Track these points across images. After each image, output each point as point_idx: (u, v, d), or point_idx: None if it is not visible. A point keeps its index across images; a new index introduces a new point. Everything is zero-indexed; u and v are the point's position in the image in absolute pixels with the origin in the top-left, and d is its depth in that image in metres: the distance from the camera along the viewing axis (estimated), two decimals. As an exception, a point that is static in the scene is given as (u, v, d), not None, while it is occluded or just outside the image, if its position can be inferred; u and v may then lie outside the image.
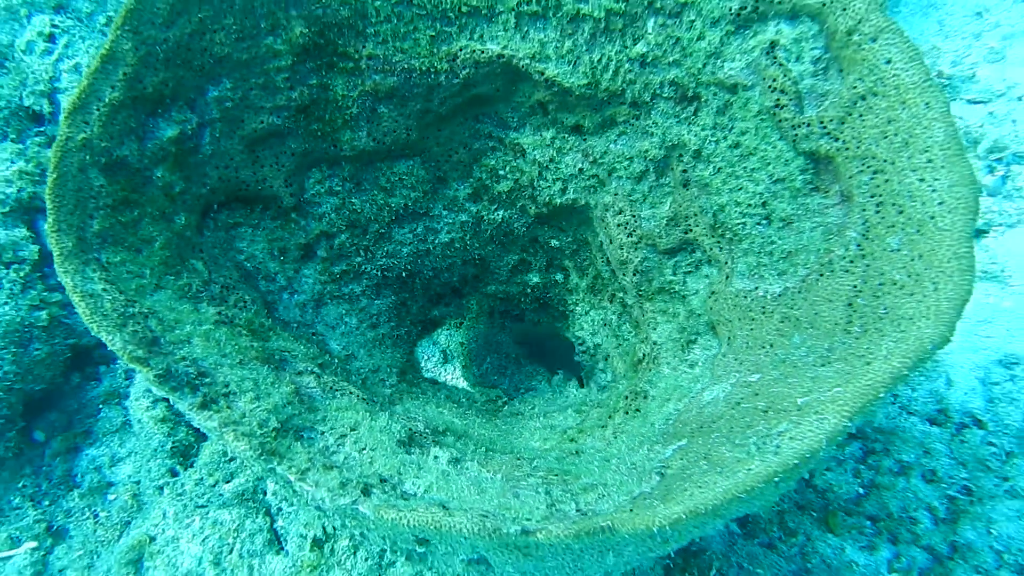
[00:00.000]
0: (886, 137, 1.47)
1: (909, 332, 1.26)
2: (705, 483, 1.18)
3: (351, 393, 1.70)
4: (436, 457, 1.56)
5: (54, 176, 1.50)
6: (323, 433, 1.50)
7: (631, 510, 1.16)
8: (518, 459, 1.67)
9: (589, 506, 1.35)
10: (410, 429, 1.65)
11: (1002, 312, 2.72)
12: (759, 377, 1.50)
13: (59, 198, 1.50)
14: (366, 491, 1.29)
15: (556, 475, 1.54)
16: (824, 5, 1.53)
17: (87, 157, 1.57)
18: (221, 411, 1.40)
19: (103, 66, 1.59)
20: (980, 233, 2.88)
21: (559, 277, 2.43)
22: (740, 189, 1.79)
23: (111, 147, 1.62)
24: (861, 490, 2.43)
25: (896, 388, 1.20)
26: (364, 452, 1.48)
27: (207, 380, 1.46)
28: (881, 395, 1.17)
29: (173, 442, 2.74)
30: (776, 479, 1.12)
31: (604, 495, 1.39)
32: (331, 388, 1.68)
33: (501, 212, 2.30)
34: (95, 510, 2.90)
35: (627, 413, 1.90)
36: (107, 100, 1.60)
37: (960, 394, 2.59)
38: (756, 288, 1.73)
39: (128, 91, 1.63)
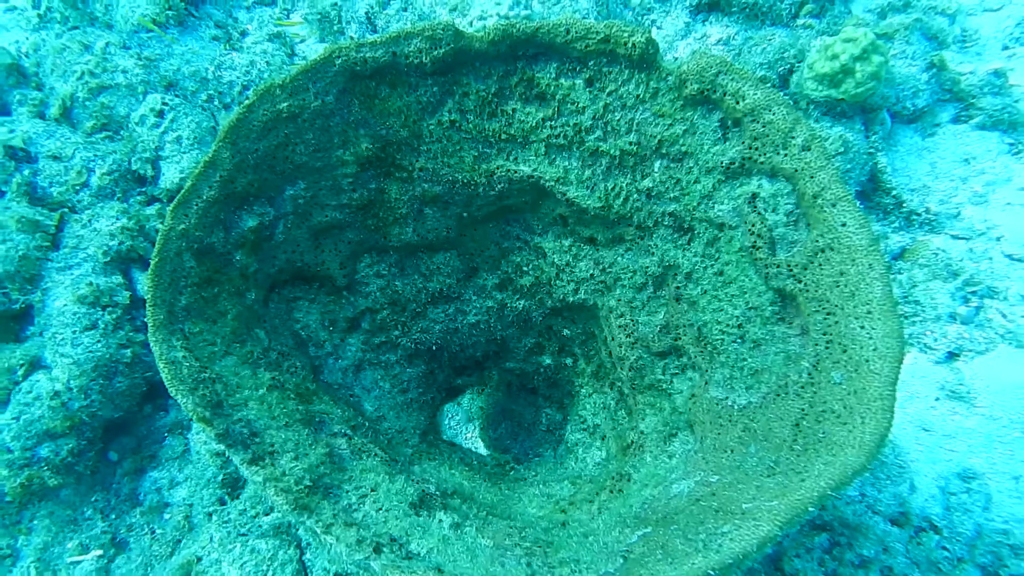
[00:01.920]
0: (838, 286, 1.68)
1: (838, 457, 1.45)
2: (656, 571, 1.37)
3: (375, 456, 1.93)
4: (440, 521, 1.77)
5: (156, 260, 1.76)
6: (347, 492, 1.73)
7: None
8: (511, 527, 1.88)
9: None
10: (423, 491, 1.87)
11: (966, 430, 2.87)
12: (717, 479, 1.70)
13: (158, 277, 1.76)
14: (377, 549, 1.50)
15: (540, 546, 1.74)
16: (796, 171, 1.75)
17: (183, 244, 1.83)
18: (266, 468, 1.63)
19: (205, 170, 1.85)
20: (952, 356, 3.04)
21: (568, 361, 2.64)
22: (721, 310, 2.00)
23: (203, 235, 1.88)
24: (825, 578, 2.58)
25: (820, 504, 1.38)
26: (380, 512, 1.70)
27: (257, 440, 1.69)
28: (809, 509, 1.37)
29: (224, 474, 2.98)
30: (712, 573, 1.32)
31: (576, 571, 1.59)
32: (359, 450, 1.91)
33: (522, 302, 2.53)
34: (153, 527, 3.15)
35: (612, 492, 2.10)
36: (205, 197, 1.86)
37: (921, 500, 2.73)
38: (727, 398, 1.93)
39: (222, 190, 1.89)
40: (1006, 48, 3.75)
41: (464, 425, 2.98)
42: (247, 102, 1.91)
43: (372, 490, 1.77)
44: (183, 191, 1.85)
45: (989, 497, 2.72)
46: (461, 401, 2.95)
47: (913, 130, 3.59)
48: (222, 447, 1.62)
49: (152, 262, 1.78)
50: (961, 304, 3.12)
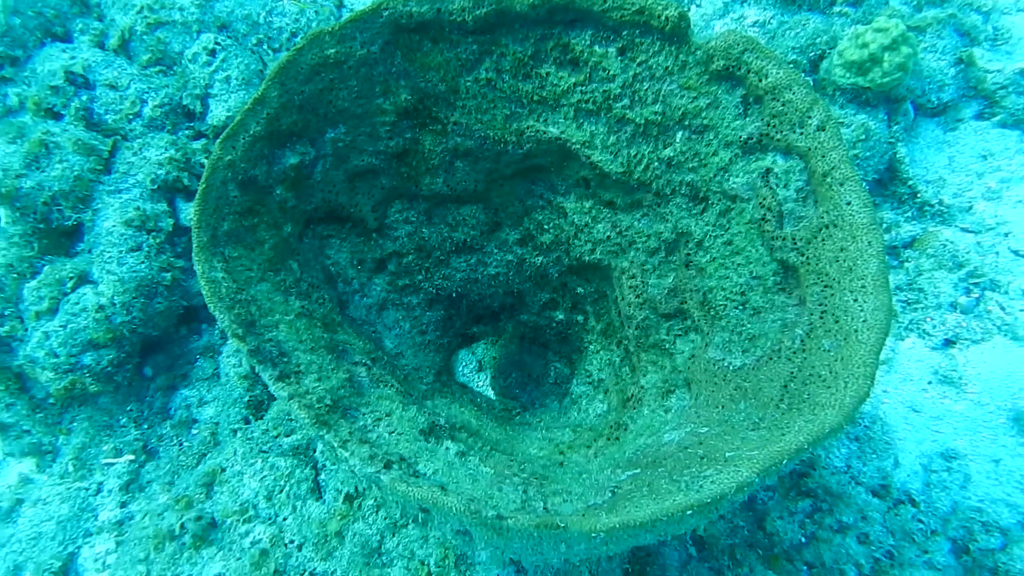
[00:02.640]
0: (838, 261, 1.74)
1: (818, 416, 1.52)
2: (640, 504, 1.45)
3: (392, 387, 2.03)
4: (447, 448, 1.87)
5: (204, 186, 1.85)
6: (364, 414, 1.83)
7: (582, 515, 1.45)
8: (511, 461, 1.98)
9: (554, 506, 1.65)
10: (433, 422, 1.96)
11: (953, 413, 2.93)
12: (706, 431, 1.79)
13: (204, 203, 1.85)
14: (388, 465, 1.60)
15: (536, 478, 1.84)
16: (810, 150, 1.81)
17: (229, 174, 1.92)
18: (291, 385, 1.73)
19: (254, 107, 1.94)
20: (949, 344, 3.09)
21: (580, 318, 2.72)
22: (727, 278, 2.07)
23: (248, 168, 1.96)
24: (803, 539, 2.66)
25: (799, 457, 1.46)
26: (392, 435, 1.80)
27: (285, 359, 1.79)
28: (784, 461, 1.44)
29: (250, 396, 3.11)
30: (691, 511, 1.39)
31: (567, 500, 1.68)
32: (377, 379, 2.01)
33: (541, 258, 2.60)
34: (181, 439, 3.29)
35: (608, 439, 2.19)
36: (252, 132, 1.94)
37: (903, 475, 2.81)
38: (723, 359, 2.01)
39: (268, 127, 1.97)
40: (1036, 49, 3.74)
41: (476, 374, 3.07)
42: (297, 46, 1.99)
43: (387, 415, 1.87)
44: (232, 125, 1.94)
45: (968, 477, 2.79)
46: (475, 350, 3.04)
47: (935, 123, 3.60)
48: (253, 362, 1.72)
49: (199, 188, 1.87)
50: (963, 294, 3.16)
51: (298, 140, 2.10)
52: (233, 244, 1.93)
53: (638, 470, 1.75)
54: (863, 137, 3.25)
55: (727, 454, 1.57)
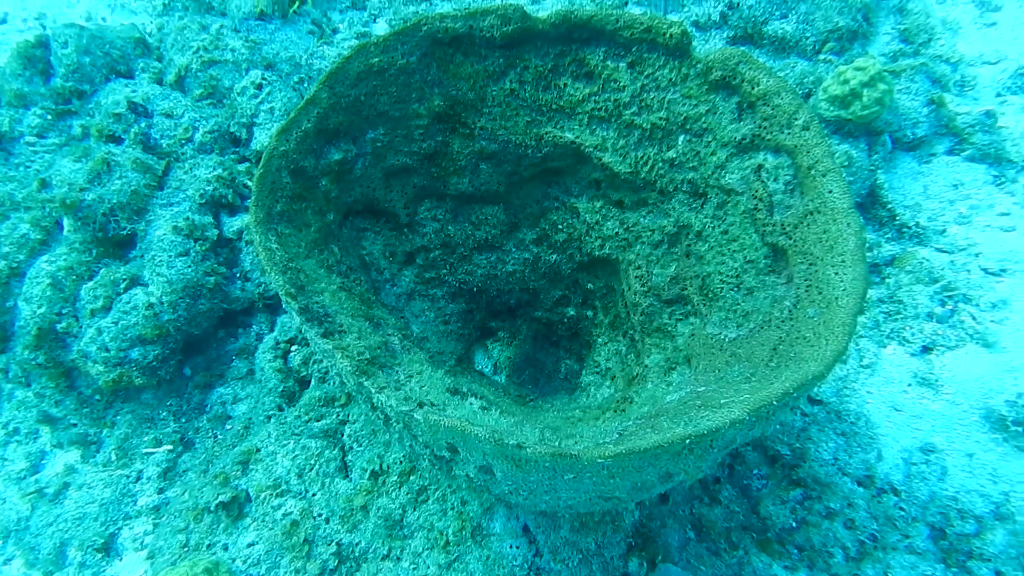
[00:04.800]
0: (821, 241, 1.85)
1: (802, 368, 1.62)
2: (643, 437, 1.54)
3: (420, 356, 2.13)
4: (471, 403, 1.97)
5: (261, 171, 1.98)
6: (397, 371, 1.92)
7: (592, 447, 1.54)
8: (530, 416, 2.07)
9: (567, 447, 1.73)
10: (456, 386, 2.06)
11: (931, 412, 3.01)
12: (704, 389, 1.88)
13: (261, 185, 1.98)
14: (420, 405, 1.70)
15: (551, 429, 1.93)
16: (796, 147, 1.93)
17: (283, 162, 2.05)
18: (335, 339, 1.83)
19: (306, 106, 2.08)
20: (926, 350, 3.19)
21: (589, 313, 2.82)
22: (723, 264, 2.18)
23: (299, 158, 2.09)
24: (794, 524, 2.72)
25: (784, 401, 1.54)
26: (423, 388, 1.89)
27: (329, 319, 1.90)
28: (773, 403, 1.53)
29: (284, 387, 3.20)
30: (689, 441, 1.46)
31: (578, 442, 1.77)
32: (408, 348, 2.11)
33: (555, 256, 2.72)
34: (216, 432, 3.37)
35: (615, 412, 2.28)
36: (303, 128, 2.08)
37: (886, 467, 2.88)
38: (720, 333, 2.11)
39: (318, 124, 2.11)
40: (999, 95, 3.89)
41: (493, 377, 3.16)
42: (346, 54, 2.14)
43: (418, 373, 1.96)
44: (286, 121, 2.08)
45: (945, 469, 2.85)
46: (491, 352, 3.13)
47: (912, 156, 3.74)
48: (301, 320, 1.82)
49: (256, 173, 2.00)
50: (938, 305, 3.26)
51: (343, 138, 2.24)
52: (285, 223, 2.05)
53: (642, 420, 1.84)
54: (846, 164, 3.39)
55: (722, 401, 1.66)
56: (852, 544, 2.68)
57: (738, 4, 4.04)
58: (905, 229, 3.51)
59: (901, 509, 2.75)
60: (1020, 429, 2.86)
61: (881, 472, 2.86)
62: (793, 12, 3.93)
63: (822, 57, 3.88)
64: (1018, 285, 3.29)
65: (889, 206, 3.51)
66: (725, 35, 4.14)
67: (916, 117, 3.68)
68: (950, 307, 3.24)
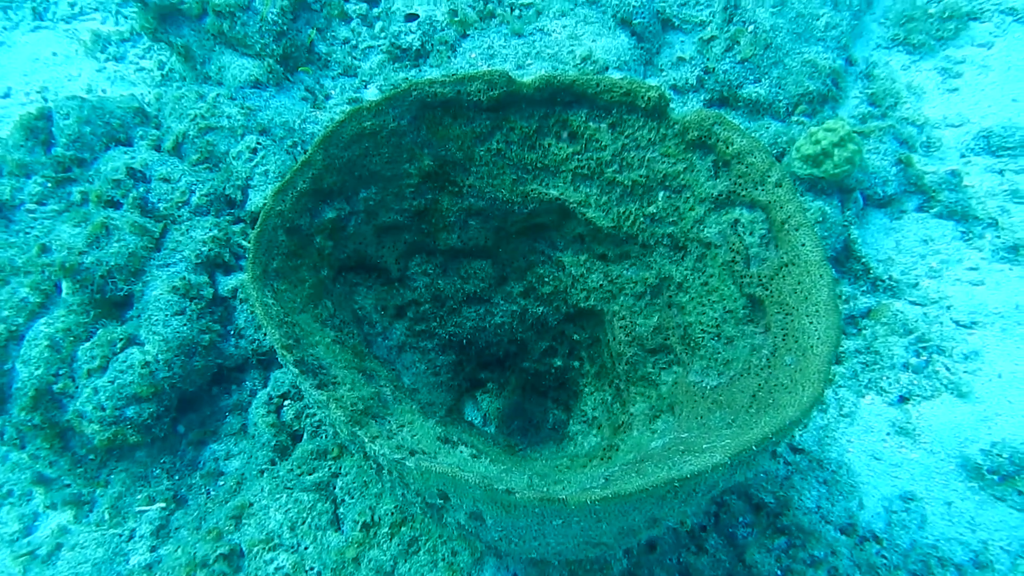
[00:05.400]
0: (795, 292, 1.90)
1: (781, 413, 1.65)
2: (628, 481, 1.56)
3: (412, 406, 2.15)
4: (461, 451, 1.98)
5: (258, 230, 2.02)
6: (389, 421, 1.94)
7: (579, 492, 1.56)
8: (519, 464, 2.08)
9: (555, 492, 1.75)
10: (447, 436, 2.08)
11: (910, 461, 3.05)
12: (687, 435, 1.91)
13: (258, 243, 2.02)
14: (412, 453, 1.71)
15: (539, 475, 1.94)
16: (770, 203, 2.00)
17: (279, 221, 2.09)
18: (329, 391, 1.85)
19: (302, 168, 2.13)
20: (903, 400, 3.24)
21: (575, 363, 2.85)
22: (704, 314, 2.23)
23: (294, 217, 2.14)
24: (779, 572, 2.71)
25: (765, 446, 1.57)
26: (415, 437, 1.91)
27: (323, 371, 1.92)
28: (753, 448, 1.56)
29: (276, 441, 3.19)
30: (674, 484, 1.48)
31: (566, 487, 1.79)
32: (399, 399, 2.13)
33: (541, 308, 2.76)
34: (208, 488, 3.35)
35: (601, 459, 2.29)
36: (299, 188, 2.13)
37: (868, 515, 2.90)
38: (702, 381, 2.14)
39: (312, 184, 2.17)
40: (963, 156, 4.03)
41: (483, 428, 3.17)
42: (340, 118, 2.21)
43: (409, 423, 1.98)
44: (283, 181, 2.13)
45: (924, 517, 2.87)
46: (481, 404, 3.14)
47: (883, 213, 3.84)
48: (297, 372, 1.84)
49: (253, 232, 2.04)
50: (913, 356, 3.32)
51: (336, 197, 2.29)
52: (280, 279, 2.09)
53: (627, 465, 1.86)
54: (821, 219, 3.47)
55: (704, 446, 1.69)
56: (837, 592, 2.68)
57: (714, 69, 4.18)
58: (879, 282, 3.59)
59: (883, 557, 2.75)
60: (995, 478, 2.90)
61: (863, 520, 2.87)
62: (766, 77, 4.07)
63: (795, 119, 4.00)
64: (988, 337, 3.36)
65: (863, 260, 3.60)
66: (702, 97, 4.28)
67: (886, 176, 3.79)
68: (924, 358, 3.30)
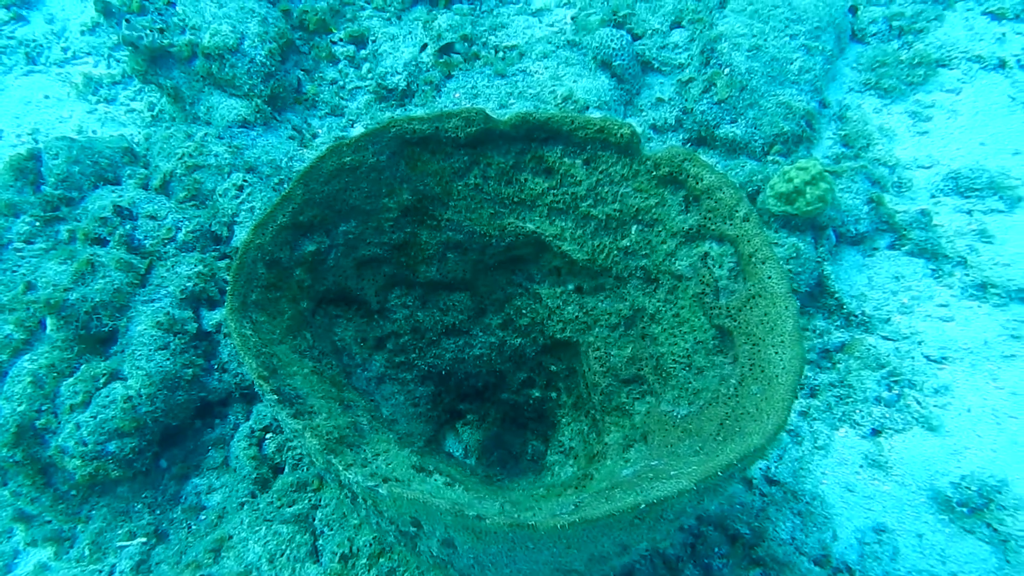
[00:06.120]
0: (762, 323, 1.93)
1: (746, 441, 1.67)
2: (596, 507, 1.57)
3: (389, 436, 2.16)
4: (436, 479, 1.99)
5: (237, 263, 2.05)
6: (365, 450, 1.95)
7: (549, 518, 1.57)
8: (493, 493, 2.09)
9: (525, 518, 1.76)
10: (423, 465, 2.09)
11: (882, 493, 3.07)
12: (656, 463, 1.92)
13: (237, 276, 2.04)
14: (385, 480, 1.72)
15: (511, 503, 1.95)
16: (738, 236, 2.04)
17: (259, 254, 2.12)
18: (305, 420, 1.87)
19: (282, 202, 2.17)
20: (876, 432, 3.27)
21: (553, 395, 2.87)
22: (675, 345, 2.26)
23: (274, 251, 2.16)
24: (754, 602, 2.73)
25: (730, 472, 1.59)
26: (389, 466, 1.92)
27: (300, 400, 1.93)
28: (718, 474, 1.57)
29: (257, 474, 3.18)
30: (642, 509, 1.50)
31: (536, 514, 1.79)
32: (376, 428, 2.14)
33: (519, 339, 2.79)
34: (190, 523, 3.32)
35: (576, 488, 2.30)
36: (279, 222, 2.17)
37: (841, 546, 2.91)
38: (673, 410, 2.17)
39: (292, 218, 2.20)
40: (933, 196, 4.11)
41: (464, 460, 3.17)
42: (320, 154, 2.25)
43: (384, 452, 1.99)
44: (263, 215, 2.16)
45: (897, 550, 2.88)
46: (462, 436, 3.15)
47: (856, 250, 3.91)
48: (273, 402, 1.86)
49: (233, 264, 2.07)
50: (885, 390, 3.36)
51: (316, 231, 2.32)
52: (259, 311, 2.11)
53: (598, 493, 1.87)
54: (795, 255, 3.53)
55: (672, 473, 1.70)
56: (811, 623, 2.68)
57: (692, 109, 4.27)
58: (852, 317, 3.64)
59: (856, 588, 2.77)
60: (965, 510, 2.92)
61: (836, 552, 2.88)
62: (742, 117, 4.16)
63: (771, 158, 4.08)
64: (958, 372, 3.41)
65: (836, 295, 3.65)
66: (681, 137, 4.36)
67: (858, 214, 3.87)
68: (896, 392, 3.34)
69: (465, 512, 1.54)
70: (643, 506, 1.50)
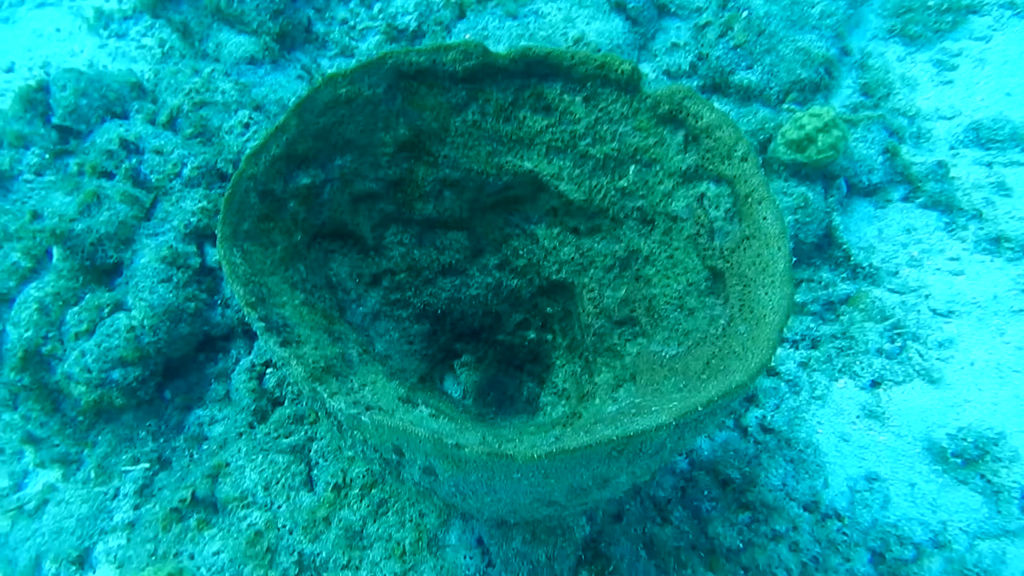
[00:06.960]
0: (754, 264, 1.92)
1: (728, 378, 1.67)
2: (575, 439, 1.59)
3: (378, 368, 2.18)
4: (421, 410, 2.02)
5: (230, 191, 2.04)
6: (351, 380, 1.97)
7: (528, 448, 1.59)
8: (480, 428, 2.11)
9: (504, 448, 1.78)
10: (410, 396, 2.11)
11: (877, 443, 3.08)
12: (641, 400, 1.94)
13: (230, 204, 2.04)
14: (368, 409, 1.74)
15: (493, 435, 1.97)
16: (735, 177, 2.02)
17: (252, 184, 2.11)
18: (291, 348, 1.88)
19: (276, 132, 2.15)
20: (875, 384, 3.27)
21: (548, 336, 2.88)
22: (668, 286, 2.25)
23: (267, 181, 2.16)
24: (741, 545, 2.75)
25: (711, 408, 1.59)
26: (375, 396, 1.94)
27: (288, 329, 1.95)
28: (699, 409, 1.58)
29: (256, 406, 3.24)
30: (616, 442, 1.50)
31: (516, 445, 1.82)
32: (366, 361, 2.16)
33: (516, 280, 2.79)
34: (192, 452, 3.40)
35: (564, 426, 2.32)
36: (272, 153, 2.15)
37: (832, 493, 2.94)
38: (662, 351, 2.17)
39: (286, 150, 2.19)
40: (952, 148, 4.02)
41: (461, 400, 3.20)
42: (315, 85, 2.23)
43: (372, 383, 2.01)
44: (256, 145, 2.15)
45: (888, 498, 2.90)
46: (460, 377, 3.18)
47: (868, 201, 3.85)
48: (261, 329, 1.87)
49: (226, 193, 2.07)
50: (887, 342, 3.34)
51: (311, 164, 2.31)
52: (251, 241, 2.12)
53: (581, 426, 1.89)
54: (803, 205, 3.49)
55: (653, 409, 1.71)
56: (795, 566, 2.71)
57: (707, 55, 4.19)
58: (859, 269, 3.60)
59: (844, 534, 2.79)
60: (959, 461, 2.93)
61: (827, 498, 2.91)
62: (758, 63, 4.08)
63: (786, 107, 4.01)
64: (964, 326, 3.38)
65: (844, 247, 3.61)
66: (695, 84, 4.29)
67: (872, 164, 3.80)
68: (899, 344, 3.32)
69: (444, 440, 1.56)
70: (621, 439, 1.50)
